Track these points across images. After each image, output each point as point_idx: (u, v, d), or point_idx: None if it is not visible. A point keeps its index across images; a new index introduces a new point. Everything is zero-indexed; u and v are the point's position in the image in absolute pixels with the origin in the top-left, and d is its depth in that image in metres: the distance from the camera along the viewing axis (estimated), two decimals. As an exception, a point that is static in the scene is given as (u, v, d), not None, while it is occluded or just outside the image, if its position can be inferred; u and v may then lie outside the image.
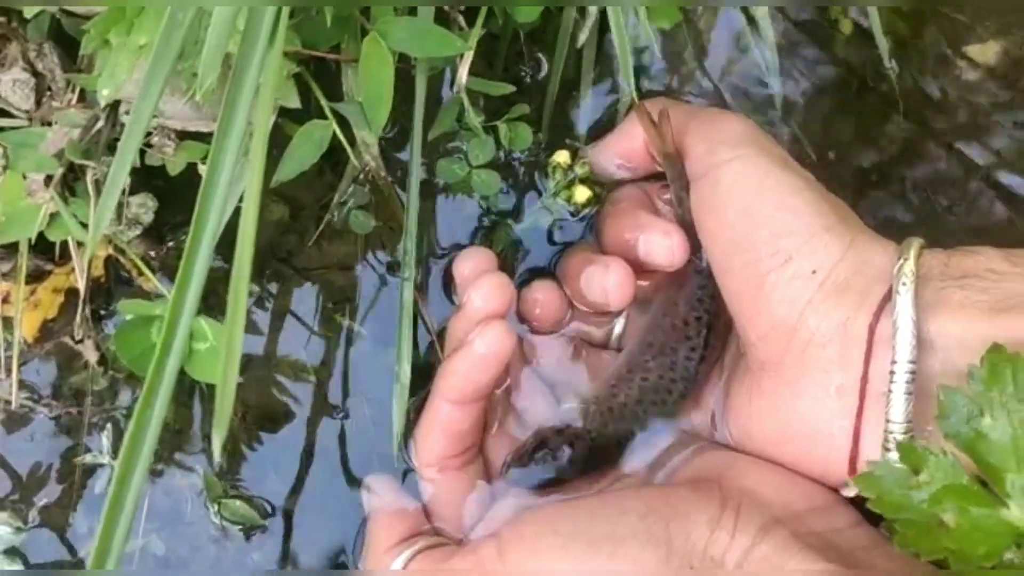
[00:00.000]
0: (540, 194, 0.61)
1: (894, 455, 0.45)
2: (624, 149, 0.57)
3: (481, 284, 0.53)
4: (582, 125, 0.62)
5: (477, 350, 0.51)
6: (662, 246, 0.52)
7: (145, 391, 0.38)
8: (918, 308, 0.44)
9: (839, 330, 0.47)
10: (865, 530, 0.47)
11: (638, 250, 0.53)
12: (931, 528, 0.42)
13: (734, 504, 0.46)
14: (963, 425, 0.42)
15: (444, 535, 0.53)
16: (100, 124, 0.50)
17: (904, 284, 0.45)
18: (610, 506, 0.48)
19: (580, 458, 0.52)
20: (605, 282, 0.53)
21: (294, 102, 0.51)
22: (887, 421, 0.45)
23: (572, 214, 0.59)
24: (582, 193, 0.58)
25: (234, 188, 0.50)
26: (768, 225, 0.49)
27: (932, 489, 0.43)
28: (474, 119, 0.58)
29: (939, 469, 0.42)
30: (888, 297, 0.46)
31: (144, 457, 0.38)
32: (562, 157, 0.59)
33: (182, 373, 0.58)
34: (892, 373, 0.44)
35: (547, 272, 0.60)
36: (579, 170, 0.58)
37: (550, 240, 0.61)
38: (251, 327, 0.60)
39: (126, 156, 0.40)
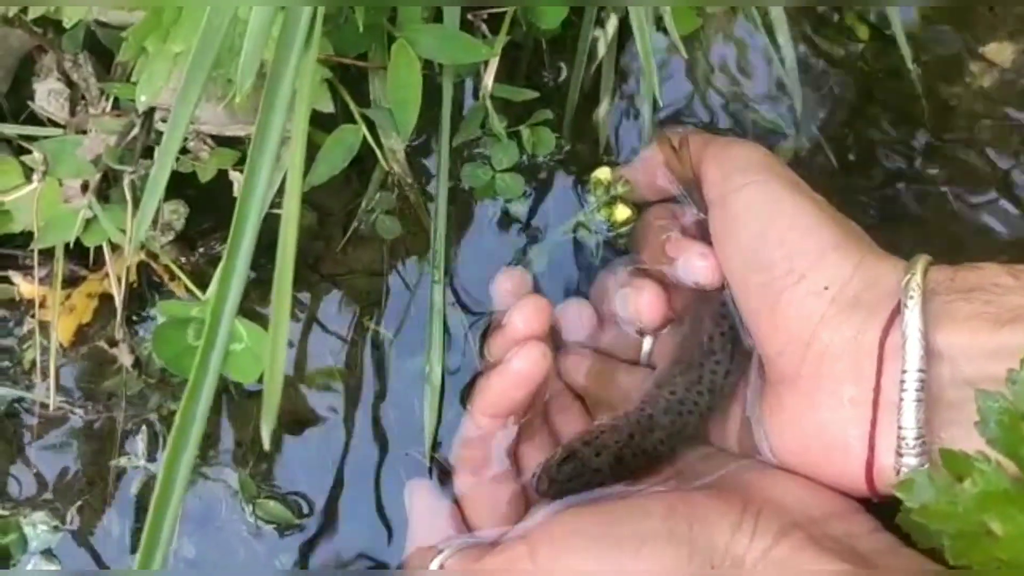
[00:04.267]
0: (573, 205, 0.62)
1: (908, 460, 0.45)
2: (648, 173, 0.59)
3: (522, 307, 0.55)
4: (603, 131, 0.63)
5: (515, 368, 0.53)
6: (702, 267, 0.54)
7: (189, 388, 0.38)
8: (926, 320, 0.46)
9: (851, 343, 0.48)
10: (884, 536, 0.48)
11: (677, 270, 0.55)
12: (979, 538, 0.42)
13: (754, 509, 0.47)
14: (1005, 430, 0.42)
15: (478, 538, 0.54)
16: (136, 131, 0.51)
17: (912, 297, 0.46)
18: (636, 508, 0.49)
19: (607, 469, 0.53)
20: (638, 302, 0.56)
21: (328, 106, 0.52)
22: (899, 428, 0.46)
23: (608, 231, 0.60)
24: (622, 212, 0.59)
25: (266, 194, 0.51)
26: (781, 246, 0.50)
27: (976, 496, 0.42)
28: (498, 125, 0.59)
29: (982, 476, 0.42)
30: (897, 311, 0.47)
31: (188, 454, 0.38)
32: (603, 174, 0.60)
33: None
34: (903, 382, 0.46)
35: (580, 288, 0.61)
36: (620, 188, 0.59)
37: (587, 254, 0.62)
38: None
39: (167, 158, 0.41)
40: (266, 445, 0.31)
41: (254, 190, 0.40)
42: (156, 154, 0.42)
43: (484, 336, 0.59)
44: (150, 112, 0.52)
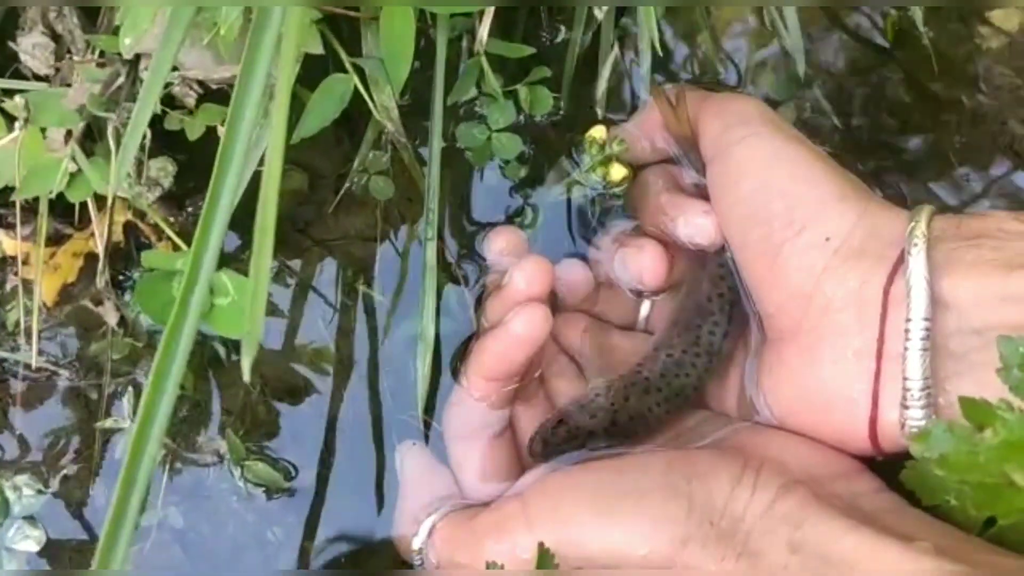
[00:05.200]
0: (568, 164, 0.61)
1: (914, 412, 0.44)
2: (645, 132, 0.58)
3: (524, 266, 0.53)
4: (602, 90, 0.62)
5: (515, 331, 0.51)
6: (704, 226, 0.53)
7: (166, 336, 0.37)
8: (931, 267, 0.45)
9: (854, 294, 0.47)
10: (889, 495, 0.47)
11: (678, 231, 0.54)
12: (1002, 489, 0.41)
13: (755, 465, 0.46)
14: None
15: (471, 499, 0.53)
16: (121, 80, 0.50)
17: (916, 245, 0.45)
18: (633, 465, 0.48)
19: (603, 432, 0.52)
20: (640, 261, 0.54)
21: (316, 48, 0.50)
22: (904, 379, 0.45)
23: (604, 190, 0.59)
24: (618, 171, 0.57)
25: (252, 153, 0.49)
26: (782, 197, 0.49)
27: (997, 446, 0.41)
28: (494, 82, 0.58)
29: (1004, 425, 0.41)
30: (901, 259, 0.46)
31: (165, 408, 0.37)
32: (598, 132, 0.58)
33: (200, 342, 0.58)
34: (907, 330, 0.45)
35: (575, 250, 0.60)
36: (616, 147, 0.57)
37: (582, 215, 0.60)
38: (268, 298, 0.59)
39: (150, 96, 0.40)
40: (246, 377, 0.30)
41: (239, 124, 0.38)
42: (140, 94, 0.41)
43: (479, 300, 0.58)
44: (135, 60, 0.51)
